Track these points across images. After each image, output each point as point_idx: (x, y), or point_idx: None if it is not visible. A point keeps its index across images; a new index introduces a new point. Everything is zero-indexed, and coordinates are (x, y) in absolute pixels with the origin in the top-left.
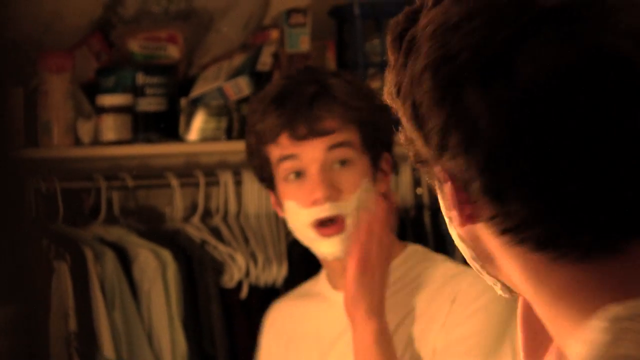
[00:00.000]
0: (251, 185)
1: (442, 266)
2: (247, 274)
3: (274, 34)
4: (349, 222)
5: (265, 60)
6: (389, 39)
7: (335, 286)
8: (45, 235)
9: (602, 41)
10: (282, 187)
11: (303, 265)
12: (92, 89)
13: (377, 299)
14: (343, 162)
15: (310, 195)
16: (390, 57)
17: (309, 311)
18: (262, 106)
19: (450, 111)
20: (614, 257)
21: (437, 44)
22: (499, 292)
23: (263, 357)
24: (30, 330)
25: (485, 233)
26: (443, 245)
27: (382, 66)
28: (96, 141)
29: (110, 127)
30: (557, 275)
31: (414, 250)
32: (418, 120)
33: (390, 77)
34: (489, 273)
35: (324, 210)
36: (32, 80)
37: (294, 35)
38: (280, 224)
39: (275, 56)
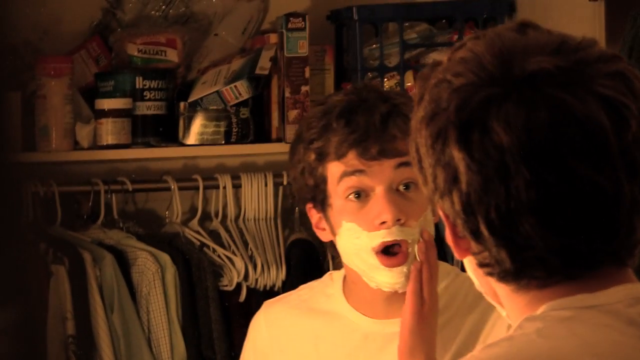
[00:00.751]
0: (250, 189)
1: (470, 280)
2: (246, 277)
3: (273, 38)
4: (410, 250)
5: (264, 65)
6: (415, 85)
7: (363, 311)
8: (44, 239)
9: (576, 107)
10: (342, 206)
11: (301, 269)
12: (91, 93)
13: (433, 345)
14: (407, 186)
15: (377, 217)
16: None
17: (329, 333)
18: (323, 121)
19: (437, 158)
20: (565, 281)
21: (433, 97)
22: (504, 313)
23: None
24: (28, 334)
25: (473, 265)
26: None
27: (380, 70)
28: (95, 145)
29: (109, 131)
30: (521, 297)
31: (449, 271)
32: (419, 163)
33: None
34: (492, 299)
35: (391, 234)
36: (31, 84)
37: (293, 39)
38: (280, 228)
39: (274, 60)
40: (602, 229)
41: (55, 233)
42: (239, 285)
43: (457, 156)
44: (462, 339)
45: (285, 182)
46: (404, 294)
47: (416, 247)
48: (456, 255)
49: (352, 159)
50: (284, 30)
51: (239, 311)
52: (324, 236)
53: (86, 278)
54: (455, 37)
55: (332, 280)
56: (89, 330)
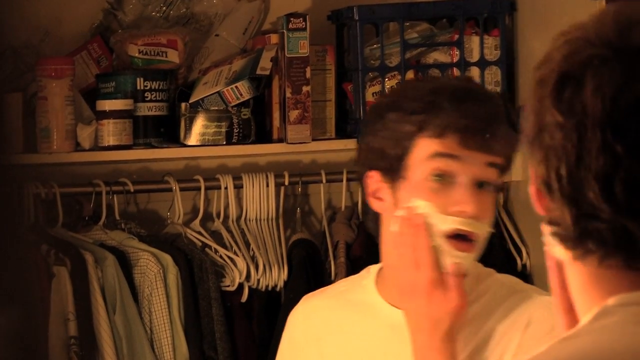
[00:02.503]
0: (251, 189)
1: (502, 281)
2: (248, 277)
3: (274, 38)
4: (479, 244)
5: (265, 65)
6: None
7: (393, 302)
8: (45, 240)
9: None
10: (421, 183)
11: (303, 269)
12: (92, 94)
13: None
14: (482, 184)
15: (458, 204)
16: None
17: (362, 322)
18: (431, 97)
19: (535, 103)
20: (625, 265)
21: (549, 49)
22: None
23: (295, 354)
24: (29, 336)
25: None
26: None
27: (381, 70)
28: (96, 146)
29: (111, 132)
30: (581, 271)
31: (490, 273)
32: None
33: None
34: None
35: (468, 224)
36: (32, 85)
37: (294, 39)
38: (281, 228)
39: (275, 61)
40: None
41: (57, 234)
42: (240, 286)
43: (547, 105)
44: (483, 336)
45: (286, 183)
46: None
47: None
48: (537, 210)
49: (451, 142)
50: (285, 31)
51: (241, 311)
52: (380, 206)
53: (88, 279)
54: (456, 36)
55: (368, 272)
56: (91, 331)
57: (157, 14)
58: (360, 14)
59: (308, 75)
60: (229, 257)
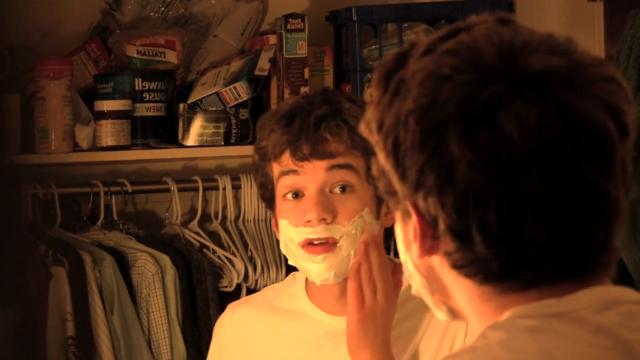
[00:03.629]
0: (249, 190)
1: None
2: (246, 278)
3: (272, 39)
4: (341, 244)
5: (263, 66)
6: (376, 75)
7: (325, 309)
8: (43, 241)
9: (584, 110)
10: (280, 204)
11: None
12: (90, 95)
13: (381, 339)
14: (344, 188)
15: (304, 215)
16: (375, 94)
17: (294, 330)
18: (270, 123)
19: (430, 154)
20: (545, 286)
21: (426, 91)
22: (442, 316)
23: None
24: (28, 336)
25: (439, 264)
26: None
27: None
28: (94, 147)
29: (109, 132)
30: (497, 300)
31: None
32: (397, 157)
33: (371, 112)
34: (437, 299)
35: (316, 232)
36: (30, 86)
37: (292, 40)
38: None
39: (273, 61)
40: (599, 232)
41: (55, 235)
42: (238, 286)
43: (458, 154)
44: (424, 331)
45: None
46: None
47: (353, 250)
48: (415, 256)
49: (286, 159)
50: (283, 31)
51: None
52: (278, 235)
53: (86, 279)
54: None
55: (295, 280)
56: (89, 331)
57: (156, 15)
58: (358, 14)
59: (306, 76)
60: (226, 258)
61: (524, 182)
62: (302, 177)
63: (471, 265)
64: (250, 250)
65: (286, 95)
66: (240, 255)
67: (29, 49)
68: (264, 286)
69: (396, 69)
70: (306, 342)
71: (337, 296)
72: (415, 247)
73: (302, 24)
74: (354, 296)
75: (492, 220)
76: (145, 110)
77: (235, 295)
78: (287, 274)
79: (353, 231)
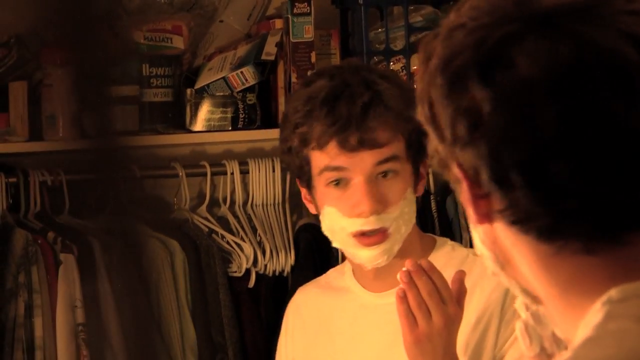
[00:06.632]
0: (258, 174)
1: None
2: (255, 263)
3: (278, 23)
4: (391, 231)
5: (269, 50)
6: (420, 55)
7: (364, 285)
8: (52, 228)
9: (600, 40)
10: (322, 192)
11: (310, 253)
12: None
13: (441, 356)
14: (385, 174)
15: (355, 206)
16: (419, 69)
17: (338, 306)
18: (308, 107)
19: (457, 103)
20: (615, 247)
21: (446, 44)
22: (519, 300)
23: (287, 342)
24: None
25: (501, 232)
26: (450, 231)
27: (386, 54)
28: None
29: (117, 118)
30: (563, 266)
31: (443, 245)
32: (433, 119)
33: (417, 88)
34: (509, 274)
35: (369, 223)
36: (37, 73)
37: (298, 24)
38: (288, 213)
39: (280, 46)
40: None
41: (64, 221)
42: (248, 271)
43: (480, 96)
44: (468, 320)
45: None
46: (392, 267)
47: (399, 274)
48: (473, 222)
49: (332, 148)
50: (290, 15)
51: (248, 297)
52: (311, 209)
53: (95, 265)
54: None
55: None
56: (99, 318)
57: (162, 0)
58: None
59: (313, 59)
60: (235, 243)
61: (542, 118)
62: (350, 170)
63: (523, 219)
64: (259, 235)
65: (293, 79)
66: (249, 240)
67: (35, 36)
68: (273, 271)
69: (431, 40)
70: (347, 316)
71: (371, 278)
72: (472, 214)
73: (308, 7)
74: (403, 319)
75: (525, 159)
76: (152, 95)
77: (244, 280)
78: (296, 258)
79: (400, 214)
